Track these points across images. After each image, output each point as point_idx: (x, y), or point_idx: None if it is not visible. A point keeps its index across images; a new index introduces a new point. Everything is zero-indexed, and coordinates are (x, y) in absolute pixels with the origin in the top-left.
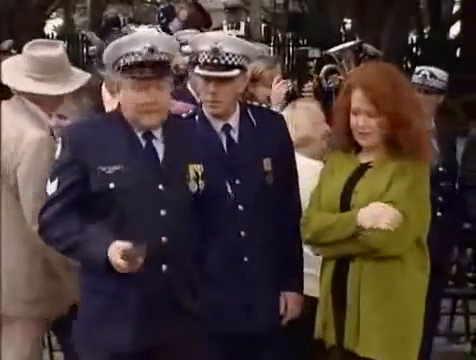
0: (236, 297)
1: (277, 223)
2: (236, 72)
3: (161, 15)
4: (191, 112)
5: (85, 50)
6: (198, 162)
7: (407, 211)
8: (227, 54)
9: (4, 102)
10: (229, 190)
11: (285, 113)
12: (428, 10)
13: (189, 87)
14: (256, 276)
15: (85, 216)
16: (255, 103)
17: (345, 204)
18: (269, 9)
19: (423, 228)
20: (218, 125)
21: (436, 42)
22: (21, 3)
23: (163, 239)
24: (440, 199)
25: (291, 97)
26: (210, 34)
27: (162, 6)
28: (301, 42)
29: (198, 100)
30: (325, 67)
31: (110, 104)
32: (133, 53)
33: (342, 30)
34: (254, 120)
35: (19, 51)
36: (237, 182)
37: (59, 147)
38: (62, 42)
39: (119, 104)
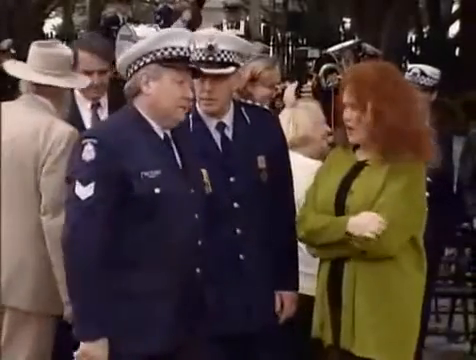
0: (233, 296)
1: (272, 221)
2: (231, 69)
3: (158, 17)
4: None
5: None
6: (203, 166)
7: (393, 215)
8: (222, 51)
9: (14, 101)
10: (224, 188)
11: (285, 112)
12: (427, 9)
13: None
14: (253, 274)
15: (125, 221)
16: (249, 101)
17: (340, 204)
18: (268, 8)
19: (418, 228)
20: (212, 123)
21: (435, 41)
22: (20, 2)
23: (199, 243)
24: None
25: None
26: (203, 32)
27: (159, 7)
28: (300, 41)
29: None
30: (324, 66)
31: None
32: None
33: (341, 29)
34: (248, 118)
35: (18, 50)
36: (232, 180)
37: (88, 149)
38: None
39: (134, 102)
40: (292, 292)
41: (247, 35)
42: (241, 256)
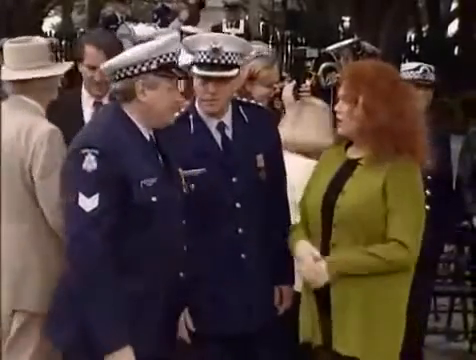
0: (234, 295)
1: (270, 219)
2: (235, 72)
3: (155, 16)
4: (183, 111)
5: None
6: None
7: (409, 219)
8: (227, 53)
9: (3, 102)
10: (226, 188)
11: (292, 112)
12: (426, 8)
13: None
14: (253, 273)
15: (122, 230)
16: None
17: (329, 205)
18: (267, 7)
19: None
20: (213, 123)
21: (434, 40)
22: (19, 1)
23: (184, 248)
24: (432, 196)
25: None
26: (207, 34)
27: (156, 7)
28: (299, 40)
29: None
30: (323, 65)
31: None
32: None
33: (341, 28)
34: (246, 116)
35: None
36: (234, 180)
37: (89, 159)
38: (38, 37)
39: (123, 106)
40: (289, 286)
41: (246, 34)
42: (242, 255)
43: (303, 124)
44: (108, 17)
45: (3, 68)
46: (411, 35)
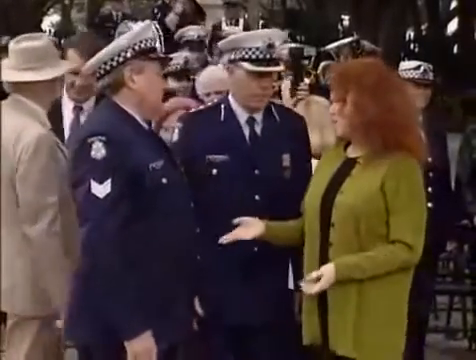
0: (245, 287)
1: (288, 217)
2: (282, 66)
3: (156, 11)
4: (216, 101)
5: None
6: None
7: (414, 218)
8: (275, 49)
9: (3, 102)
10: (247, 179)
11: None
12: (426, 7)
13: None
14: (265, 266)
15: (132, 215)
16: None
17: (326, 205)
18: (267, 6)
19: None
20: (244, 117)
21: (434, 39)
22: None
23: (197, 230)
24: (432, 194)
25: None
26: (260, 31)
27: (157, 3)
28: (299, 39)
29: (206, 98)
30: (322, 63)
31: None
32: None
33: (340, 27)
34: (277, 116)
35: None
36: (256, 172)
37: (97, 147)
38: (45, 34)
39: (114, 98)
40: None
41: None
42: (255, 248)
43: (310, 124)
44: (104, 16)
45: (3, 68)
46: (410, 33)
